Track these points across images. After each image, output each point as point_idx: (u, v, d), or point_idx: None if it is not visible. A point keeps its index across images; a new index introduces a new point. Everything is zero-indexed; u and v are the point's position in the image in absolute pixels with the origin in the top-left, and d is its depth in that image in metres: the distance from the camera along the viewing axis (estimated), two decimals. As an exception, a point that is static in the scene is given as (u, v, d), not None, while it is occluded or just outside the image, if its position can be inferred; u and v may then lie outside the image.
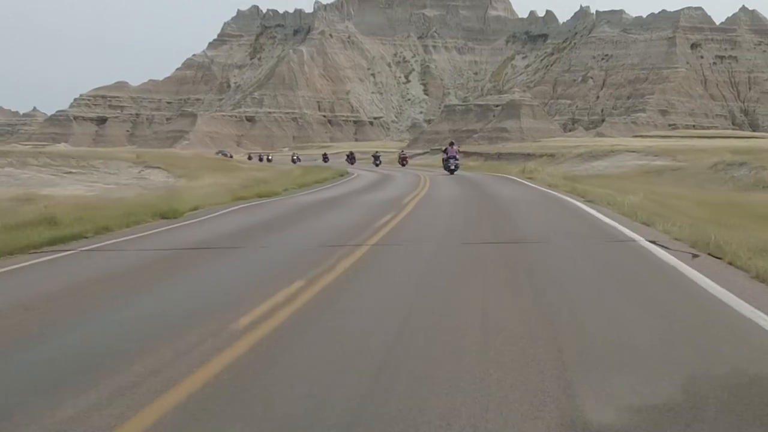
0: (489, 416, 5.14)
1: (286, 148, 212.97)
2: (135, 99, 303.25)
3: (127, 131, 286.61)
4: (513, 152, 75.20)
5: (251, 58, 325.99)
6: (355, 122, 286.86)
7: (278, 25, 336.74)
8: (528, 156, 67.57)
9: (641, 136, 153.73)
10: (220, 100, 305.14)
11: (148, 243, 15.23)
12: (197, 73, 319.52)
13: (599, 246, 13.84)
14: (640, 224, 15.91)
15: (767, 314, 7.90)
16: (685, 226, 13.76)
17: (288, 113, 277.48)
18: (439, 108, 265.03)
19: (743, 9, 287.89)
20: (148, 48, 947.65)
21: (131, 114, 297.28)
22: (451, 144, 53.66)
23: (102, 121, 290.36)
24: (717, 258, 11.35)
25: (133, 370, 6.19)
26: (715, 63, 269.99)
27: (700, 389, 5.63)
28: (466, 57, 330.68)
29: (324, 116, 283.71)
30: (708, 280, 9.83)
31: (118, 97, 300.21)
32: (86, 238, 15.65)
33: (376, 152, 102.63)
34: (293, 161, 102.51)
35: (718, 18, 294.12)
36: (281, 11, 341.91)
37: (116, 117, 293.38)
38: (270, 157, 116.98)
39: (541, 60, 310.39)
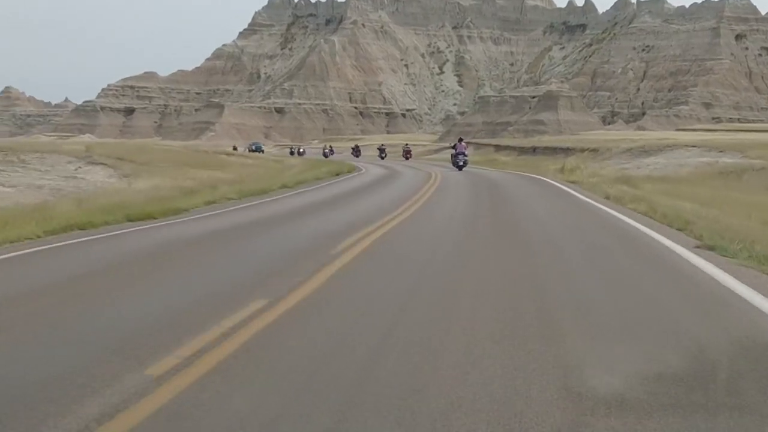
0: None
1: (316, 141, 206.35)
2: (163, 89, 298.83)
3: (155, 122, 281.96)
4: (550, 146, 67.67)
5: (282, 48, 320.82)
6: (387, 114, 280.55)
7: (310, 15, 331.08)
8: (567, 151, 59.86)
9: (685, 130, 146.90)
10: (250, 91, 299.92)
11: None
12: (227, 64, 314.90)
13: None
14: None
15: None
16: None
17: (318, 105, 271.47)
18: (473, 100, 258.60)
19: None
20: (178, 38, 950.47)
21: (159, 105, 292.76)
22: (460, 140, 52.76)
23: (129, 111, 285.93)
24: None
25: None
26: (760, 54, 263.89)
27: None
28: (502, 48, 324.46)
29: (355, 108, 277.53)
30: None
31: (146, 87, 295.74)
32: None
33: (382, 145, 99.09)
34: (325, 155, 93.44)
35: (765, 8, 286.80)
36: (313, 0, 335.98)
37: (144, 108, 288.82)
38: (302, 150, 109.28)
39: (580, 51, 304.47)
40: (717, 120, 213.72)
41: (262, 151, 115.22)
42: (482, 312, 7.69)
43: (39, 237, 13.51)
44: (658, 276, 10.08)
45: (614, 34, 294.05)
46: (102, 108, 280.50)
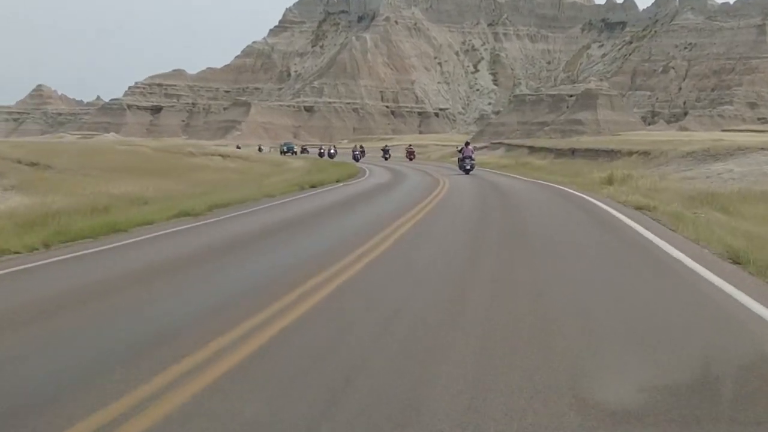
0: None
1: (345, 140, 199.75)
2: (192, 87, 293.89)
3: (183, 121, 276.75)
4: (591, 148, 59.74)
5: (313, 46, 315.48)
6: (419, 114, 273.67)
7: (342, 12, 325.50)
8: (611, 153, 51.83)
9: (731, 131, 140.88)
10: (280, 89, 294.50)
11: None
12: (257, 62, 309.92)
13: None
14: None
15: None
16: None
17: (348, 103, 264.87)
18: (508, 99, 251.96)
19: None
20: (207, 35, 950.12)
21: (187, 103, 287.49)
22: (467, 144, 52.02)
23: (157, 110, 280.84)
24: None
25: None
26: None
27: None
28: (539, 45, 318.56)
29: (387, 107, 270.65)
30: None
31: (174, 85, 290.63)
32: None
33: (386, 146, 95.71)
34: (355, 158, 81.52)
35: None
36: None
37: (172, 106, 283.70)
38: (332, 150, 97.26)
39: (619, 49, 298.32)
40: (763, 120, 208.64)
41: (295, 152, 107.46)
42: None
43: None
44: None
45: (655, 31, 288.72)
46: (129, 106, 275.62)
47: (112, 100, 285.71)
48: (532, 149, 75.87)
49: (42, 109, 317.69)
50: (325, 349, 6.65)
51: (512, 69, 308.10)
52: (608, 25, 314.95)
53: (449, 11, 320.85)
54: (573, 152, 61.61)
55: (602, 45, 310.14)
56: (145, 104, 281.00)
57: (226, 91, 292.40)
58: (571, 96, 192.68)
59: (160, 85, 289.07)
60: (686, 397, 5.44)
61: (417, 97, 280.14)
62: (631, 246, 13.72)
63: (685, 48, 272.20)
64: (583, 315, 8.07)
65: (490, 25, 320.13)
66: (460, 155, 49.52)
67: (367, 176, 43.81)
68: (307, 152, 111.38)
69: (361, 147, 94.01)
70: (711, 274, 10.15)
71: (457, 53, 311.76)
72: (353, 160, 75.42)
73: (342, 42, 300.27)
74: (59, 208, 15.42)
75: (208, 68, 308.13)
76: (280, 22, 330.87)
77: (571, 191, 28.47)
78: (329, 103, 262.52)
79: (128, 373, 5.93)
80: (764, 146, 33.95)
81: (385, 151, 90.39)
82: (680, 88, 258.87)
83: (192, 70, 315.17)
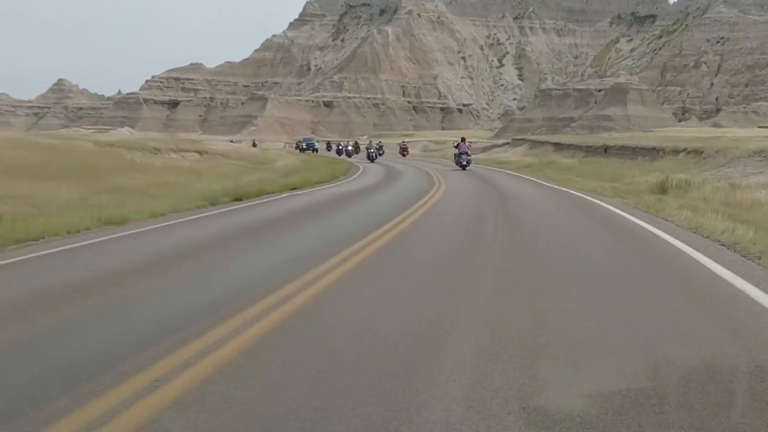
0: None
1: (365, 136, 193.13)
2: (210, 82, 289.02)
3: (200, 116, 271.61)
4: (626, 145, 52.51)
5: (334, 40, 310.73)
6: (442, 109, 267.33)
7: (364, 5, 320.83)
8: (652, 152, 44.54)
9: (767, 127, 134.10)
10: (299, 83, 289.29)
11: None
12: (276, 55, 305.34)
13: None
14: None
15: None
16: None
17: (369, 98, 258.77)
18: (534, 94, 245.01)
19: None
20: (227, 29, 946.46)
21: (205, 98, 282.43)
22: (463, 140, 51.64)
23: (174, 104, 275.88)
24: None
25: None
26: None
27: None
28: (566, 39, 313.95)
29: (408, 102, 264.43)
30: None
31: (192, 79, 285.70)
32: None
33: (380, 142, 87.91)
34: (369, 157, 70.15)
35: None
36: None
37: (189, 100, 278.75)
38: (350, 147, 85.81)
39: (648, 43, 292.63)
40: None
41: (316, 150, 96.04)
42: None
43: None
44: None
45: (686, 25, 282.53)
46: (145, 100, 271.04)
47: (128, 94, 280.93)
48: (558, 146, 68.92)
49: (63, 104, 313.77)
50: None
51: (538, 64, 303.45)
52: (637, 19, 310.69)
53: (474, 4, 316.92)
54: (606, 150, 54.47)
55: (631, 39, 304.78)
56: (162, 98, 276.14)
57: (245, 86, 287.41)
58: (599, 91, 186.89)
59: (177, 79, 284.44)
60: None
61: (440, 92, 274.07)
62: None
63: (718, 42, 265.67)
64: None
65: (515, 18, 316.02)
66: (456, 151, 50.58)
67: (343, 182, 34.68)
68: (330, 149, 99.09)
69: (379, 143, 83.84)
70: None
71: (481, 47, 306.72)
72: (367, 160, 65.70)
73: (363, 36, 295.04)
74: None
75: (226, 62, 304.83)
76: (300, 15, 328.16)
77: (618, 211, 17.82)
78: (349, 98, 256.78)
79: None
80: None
81: (403, 148, 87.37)
82: (712, 84, 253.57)
83: (210, 64, 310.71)
